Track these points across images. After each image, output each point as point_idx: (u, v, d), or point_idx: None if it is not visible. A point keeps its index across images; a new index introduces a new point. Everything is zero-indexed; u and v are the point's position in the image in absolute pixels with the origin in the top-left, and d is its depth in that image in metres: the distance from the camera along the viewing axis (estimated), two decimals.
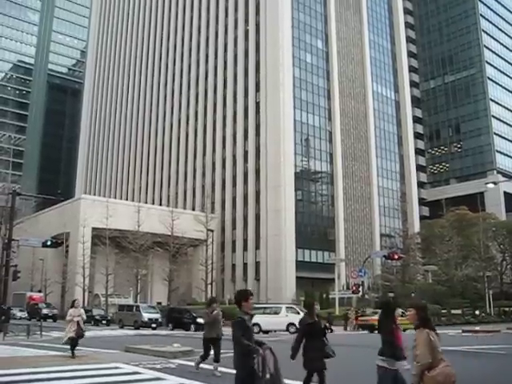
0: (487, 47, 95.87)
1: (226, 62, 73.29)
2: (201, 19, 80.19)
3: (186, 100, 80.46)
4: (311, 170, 67.30)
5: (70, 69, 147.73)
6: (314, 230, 66.21)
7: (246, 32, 70.72)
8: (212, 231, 57.28)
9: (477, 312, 48.18)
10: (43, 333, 26.21)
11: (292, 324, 29.88)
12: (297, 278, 59.91)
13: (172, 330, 36.71)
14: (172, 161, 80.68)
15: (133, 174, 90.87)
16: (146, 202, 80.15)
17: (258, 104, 66.20)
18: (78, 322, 15.61)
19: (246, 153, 67.03)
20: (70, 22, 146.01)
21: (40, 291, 59.07)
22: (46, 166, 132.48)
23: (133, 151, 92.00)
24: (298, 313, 29.77)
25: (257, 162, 65.06)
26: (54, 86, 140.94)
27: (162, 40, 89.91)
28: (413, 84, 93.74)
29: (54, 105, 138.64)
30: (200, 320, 35.20)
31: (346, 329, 37.18)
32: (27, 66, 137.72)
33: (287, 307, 34.72)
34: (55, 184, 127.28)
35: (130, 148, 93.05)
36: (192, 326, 35.67)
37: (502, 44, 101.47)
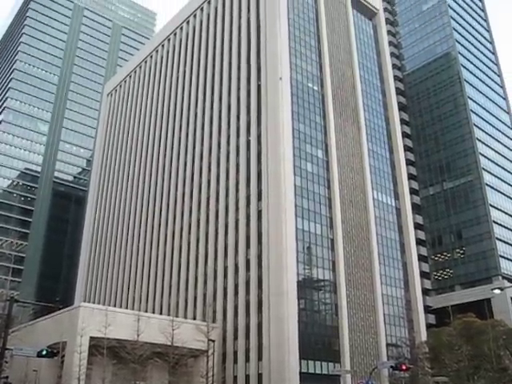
0: (483, 155, 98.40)
1: (228, 171, 74.81)
2: (204, 130, 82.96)
3: (188, 208, 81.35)
4: (314, 278, 66.55)
5: (75, 177, 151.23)
6: (317, 339, 64.33)
7: (248, 142, 72.77)
8: (213, 341, 55.78)
9: None
10: None
11: None
12: None
13: None
14: (173, 269, 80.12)
15: (133, 281, 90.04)
16: (147, 311, 78.77)
17: (259, 212, 66.67)
18: None
19: (247, 261, 66.58)
20: (77, 132, 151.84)
21: None
22: (47, 272, 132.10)
23: (134, 259, 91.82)
24: None
25: (259, 270, 64.43)
26: (58, 194, 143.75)
27: (165, 150, 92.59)
28: (412, 191, 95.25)
29: (57, 212, 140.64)
30: None
31: None
32: (34, 173, 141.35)
33: None
34: (55, 291, 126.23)
35: (132, 256, 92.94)
36: None
37: (497, 152, 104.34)
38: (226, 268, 70.00)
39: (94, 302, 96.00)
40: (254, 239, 66.49)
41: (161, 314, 75.97)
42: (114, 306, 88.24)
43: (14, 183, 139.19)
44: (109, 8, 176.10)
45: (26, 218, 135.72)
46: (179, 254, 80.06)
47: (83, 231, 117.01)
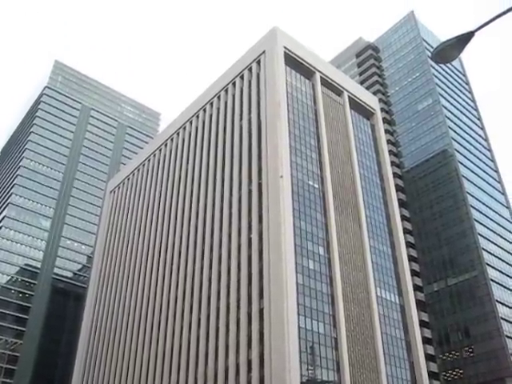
0: (486, 250, 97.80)
1: (229, 269, 74.14)
2: (205, 228, 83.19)
3: (188, 306, 79.84)
4: (318, 380, 63.96)
5: (75, 273, 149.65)
6: None
7: (250, 240, 72.69)
8: None
9: None
10: None
11: None
12: None
13: None
14: (173, 369, 77.41)
15: (131, 382, 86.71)
16: None
17: (261, 311, 65.32)
18: None
19: (249, 362, 64.38)
20: (79, 228, 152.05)
21: None
22: (41, 372, 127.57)
23: (132, 358, 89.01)
24: None
25: (261, 371, 62.14)
26: (57, 290, 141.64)
27: (166, 248, 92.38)
28: (416, 287, 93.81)
29: (55, 309, 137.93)
30: None
31: None
32: (33, 269, 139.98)
33: None
34: None
35: (130, 355, 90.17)
36: None
37: (500, 247, 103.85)
38: (227, 369, 67.63)
39: None
40: (255, 339, 64.73)
41: None
42: None
43: (13, 279, 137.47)
44: (115, 108, 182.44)
45: (23, 315, 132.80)
46: (179, 353, 77.70)
47: (81, 329, 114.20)
